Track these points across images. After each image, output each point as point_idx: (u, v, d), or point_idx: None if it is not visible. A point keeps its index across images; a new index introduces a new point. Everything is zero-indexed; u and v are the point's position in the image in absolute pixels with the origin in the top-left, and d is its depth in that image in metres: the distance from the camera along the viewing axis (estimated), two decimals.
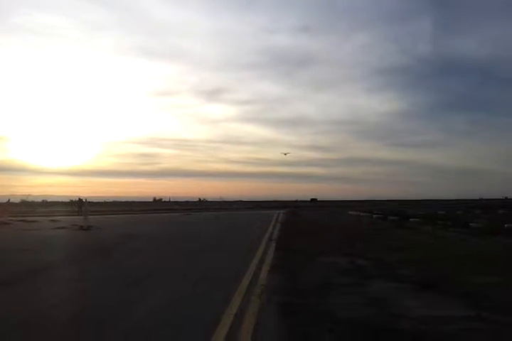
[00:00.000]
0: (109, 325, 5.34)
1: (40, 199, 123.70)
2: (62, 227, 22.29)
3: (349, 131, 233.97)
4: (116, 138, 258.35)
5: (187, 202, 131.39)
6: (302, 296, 6.69)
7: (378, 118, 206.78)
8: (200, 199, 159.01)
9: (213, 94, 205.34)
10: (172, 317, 5.62)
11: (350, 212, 43.24)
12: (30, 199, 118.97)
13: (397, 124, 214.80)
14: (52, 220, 28.76)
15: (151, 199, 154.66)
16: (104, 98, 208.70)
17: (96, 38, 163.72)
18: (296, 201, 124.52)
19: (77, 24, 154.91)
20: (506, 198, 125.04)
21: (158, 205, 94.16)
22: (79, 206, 40.95)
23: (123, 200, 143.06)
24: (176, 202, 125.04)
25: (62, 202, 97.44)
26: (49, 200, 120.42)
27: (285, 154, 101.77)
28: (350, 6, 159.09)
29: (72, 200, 78.34)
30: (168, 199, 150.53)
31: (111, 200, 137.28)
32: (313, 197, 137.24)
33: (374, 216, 33.36)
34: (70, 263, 10.73)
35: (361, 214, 38.13)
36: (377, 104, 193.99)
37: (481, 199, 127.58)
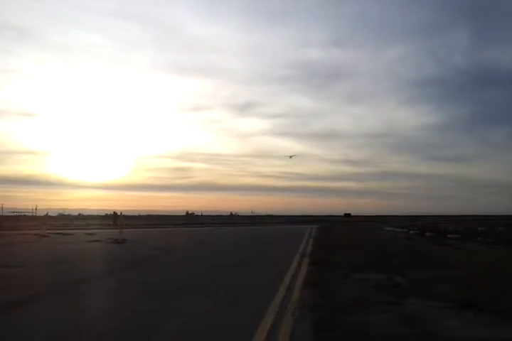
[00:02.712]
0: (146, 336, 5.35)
1: (76, 213, 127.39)
2: (98, 240, 22.71)
3: (383, 144, 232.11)
4: (150, 152, 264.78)
5: (219, 216, 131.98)
6: (336, 313, 6.51)
7: (414, 132, 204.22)
8: (231, 213, 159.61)
9: (245, 109, 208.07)
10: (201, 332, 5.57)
11: (385, 228, 42.35)
12: (66, 212, 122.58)
13: (433, 137, 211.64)
14: (88, 233, 29.36)
15: (184, 213, 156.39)
16: (138, 113, 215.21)
17: (130, 55, 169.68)
18: (330, 216, 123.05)
19: (111, 41, 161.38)
20: None
21: (190, 219, 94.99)
22: (114, 219, 41.73)
23: (156, 214, 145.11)
24: (208, 216, 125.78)
25: (97, 216, 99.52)
26: (85, 214, 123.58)
27: (290, 157, 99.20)
28: (383, 18, 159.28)
29: (107, 214, 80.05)
30: (200, 213, 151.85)
31: (145, 214, 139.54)
32: (346, 212, 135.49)
33: (410, 232, 32.50)
34: (105, 276, 10.88)
35: (397, 229, 37.25)
36: (412, 117, 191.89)
37: None
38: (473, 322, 6.15)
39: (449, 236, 26.46)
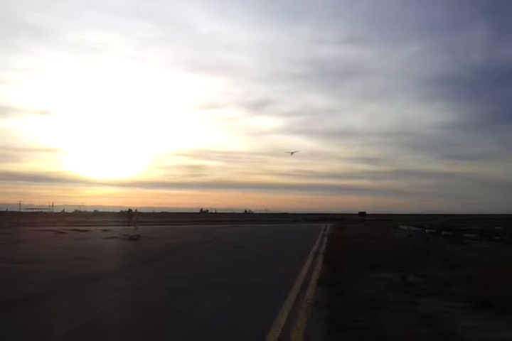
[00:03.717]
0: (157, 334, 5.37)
1: (92, 210, 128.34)
2: (113, 237, 22.91)
3: (399, 142, 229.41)
4: (164, 150, 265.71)
5: (233, 213, 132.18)
6: (350, 312, 6.44)
7: (430, 130, 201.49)
8: (246, 211, 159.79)
9: (259, 106, 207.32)
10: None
11: (400, 226, 41.98)
12: (82, 209, 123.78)
13: (449, 136, 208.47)
14: (104, 230, 29.62)
15: (198, 211, 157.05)
16: (153, 112, 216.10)
17: (144, 53, 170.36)
18: (344, 214, 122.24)
19: (126, 40, 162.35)
20: None
21: (204, 216, 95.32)
22: (129, 216, 42.05)
23: (171, 211, 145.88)
24: (222, 214, 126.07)
25: (113, 213, 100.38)
26: (100, 210, 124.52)
27: (291, 153, 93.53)
28: (398, 15, 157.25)
29: (122, 211, 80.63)
30: (214, 211, 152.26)
31: (159, 211, 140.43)
32: (361, 211, 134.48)
33: (426, 230, 32.17)
34: (122, 272, 10.97)
35: (412, 228, 36.91)
36: (428, 115, 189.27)
37: None
38: (493, 322, 6.04)
39: (465, 235, 26.13)
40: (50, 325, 5.78)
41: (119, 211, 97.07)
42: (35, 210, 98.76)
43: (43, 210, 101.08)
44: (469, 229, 31.31)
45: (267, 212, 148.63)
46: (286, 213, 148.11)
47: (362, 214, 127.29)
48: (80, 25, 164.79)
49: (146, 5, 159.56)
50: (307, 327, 5.67)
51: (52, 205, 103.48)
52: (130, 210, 44.13)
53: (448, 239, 23.65)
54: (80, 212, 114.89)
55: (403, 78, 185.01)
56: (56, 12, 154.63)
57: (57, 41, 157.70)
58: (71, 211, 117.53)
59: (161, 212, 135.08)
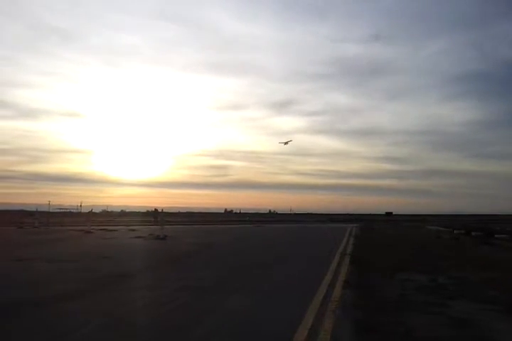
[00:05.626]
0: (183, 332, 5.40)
1: (119, 210, 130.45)
2: (140, 236, 23.22)
3: (425, 141, 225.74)
4: (188, 151, 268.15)
5: (258, 213, 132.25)
6: (379, 314, 6.34)
7: (457, 128, 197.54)
8: (270, 211, 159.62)
9: (282, 106, 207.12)
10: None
11: (428, 227, 41.23)
12: (110, 209, 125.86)
13: (478, 134, 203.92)
14: (131, 229, 30.02)
15: (223, 211, 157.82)
16: (177, 112, 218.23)
17: (168, 55, 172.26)
18: (370, 214, 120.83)
19: (150, 42, 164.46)
20: None
21: (229, 216, 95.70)
22: (155, 216, 42.60)
23: (196, 211, 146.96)
24: (247, 214, 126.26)
25: (139, 212, 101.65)
26: (127, 210, 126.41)
27: (285, 143, 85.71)
28: (423, 11, 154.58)
29: (148, 211, 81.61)
30: (238, 211, 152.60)
31: (184, 211, 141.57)
32: (388, 211, 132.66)
33: (455, 231, 31.48)
34: (149, 271, 11.12)
35: (441, 229, 36.17)
36: (455, 113, 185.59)
37: None
38: None
39: (496, 236, 25.46)
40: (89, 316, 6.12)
41: (145, 211, 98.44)
42: (63, 210, 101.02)
43: (72, 210, 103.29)
44: (501, 230, 30.45)
45: (292, 212, 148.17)
46: (311, 213, 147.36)
47: (388, 214, 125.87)
48: (106, 28, 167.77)
49: (170, 7, 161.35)
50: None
51: (81, 205, 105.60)
52: (156, 210, 44.76)
53: (478, 239, 23.09)
54: (107, 211, 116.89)
55: (429, 76, 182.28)
56: (82, 16, 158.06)
57: (84, 45, 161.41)
58: (99, 211, 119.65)
59: (186, 212, 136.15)
